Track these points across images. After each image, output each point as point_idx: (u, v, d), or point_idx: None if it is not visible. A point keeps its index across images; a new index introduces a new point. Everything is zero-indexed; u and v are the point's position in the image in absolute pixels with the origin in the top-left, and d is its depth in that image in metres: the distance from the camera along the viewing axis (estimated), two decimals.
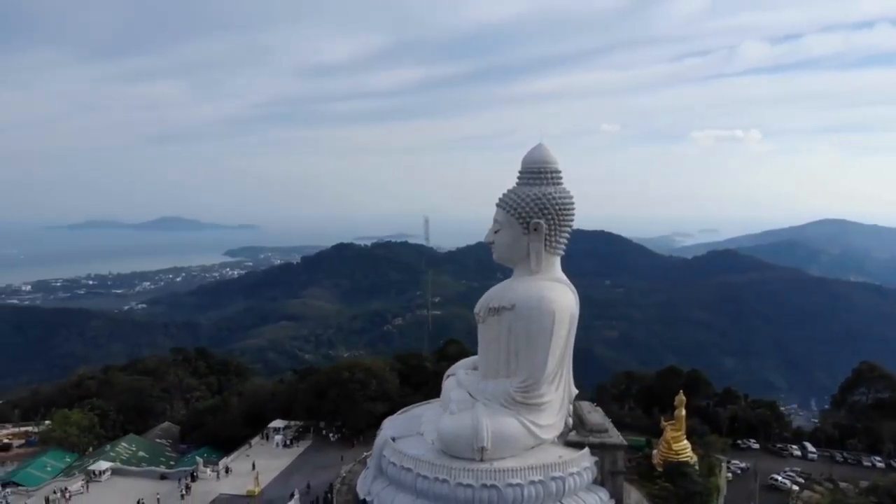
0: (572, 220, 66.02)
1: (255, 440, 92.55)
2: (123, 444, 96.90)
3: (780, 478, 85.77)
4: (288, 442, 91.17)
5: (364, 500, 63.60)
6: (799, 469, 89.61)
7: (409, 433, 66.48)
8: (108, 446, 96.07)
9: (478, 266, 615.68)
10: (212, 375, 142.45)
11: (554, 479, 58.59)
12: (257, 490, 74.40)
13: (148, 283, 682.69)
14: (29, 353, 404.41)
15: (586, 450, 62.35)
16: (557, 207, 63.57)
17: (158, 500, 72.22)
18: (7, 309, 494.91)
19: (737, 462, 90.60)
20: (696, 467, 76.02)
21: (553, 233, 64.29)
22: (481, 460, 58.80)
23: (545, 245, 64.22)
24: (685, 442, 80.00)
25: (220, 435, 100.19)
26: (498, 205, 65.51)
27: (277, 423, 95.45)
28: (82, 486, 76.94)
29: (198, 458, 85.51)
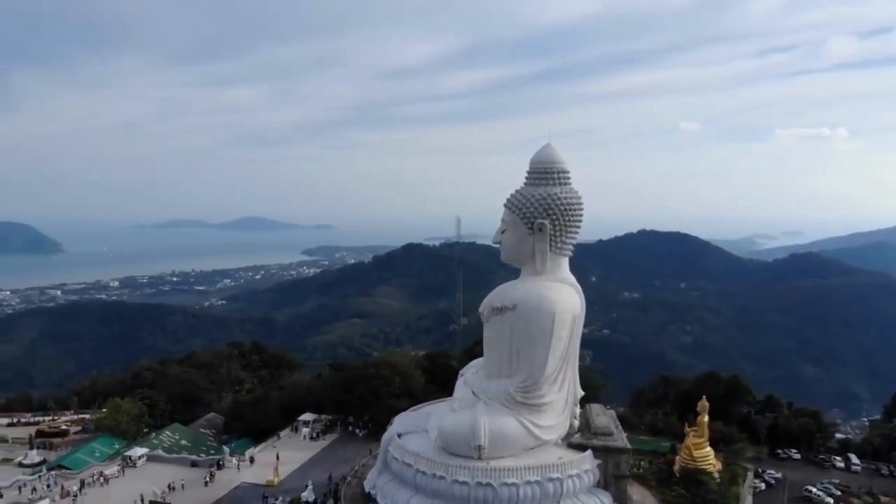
0: (579, 222, 65.24)
1: (284, 432, 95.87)
2: (167, 432, 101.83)
3: (814, 489, 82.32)
4: (315, 435, 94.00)
5: (369, 493, 65.11)
6: (838, 481, 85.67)
7: (416, 430, 67.51)
8: (153, 434, 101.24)
9: None
10: (264, 369, 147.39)
11: (551, 480, 58.35)
12: (276, 480, 77.22)
13: (228, 281, 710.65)
14: (114, 346, 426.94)
15: (588, 452, 61.76)
16: (563, 208, 63.13)
17: (183, 485, 76.08)
18: (95, 303, 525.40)
19: (772, 472, 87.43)
20: (717, 475, 73.90)
21: (558, 233, 63.82)
22: (479, 458, 59.23)
23: (550, 245, 63.88)
24: (707, 449, 77.62)
25: (259, 426, 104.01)
26: (505, 205, 65.78)
27: (307, 416, 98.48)
28: (118, 471, 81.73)
29: (225, 447, 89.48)
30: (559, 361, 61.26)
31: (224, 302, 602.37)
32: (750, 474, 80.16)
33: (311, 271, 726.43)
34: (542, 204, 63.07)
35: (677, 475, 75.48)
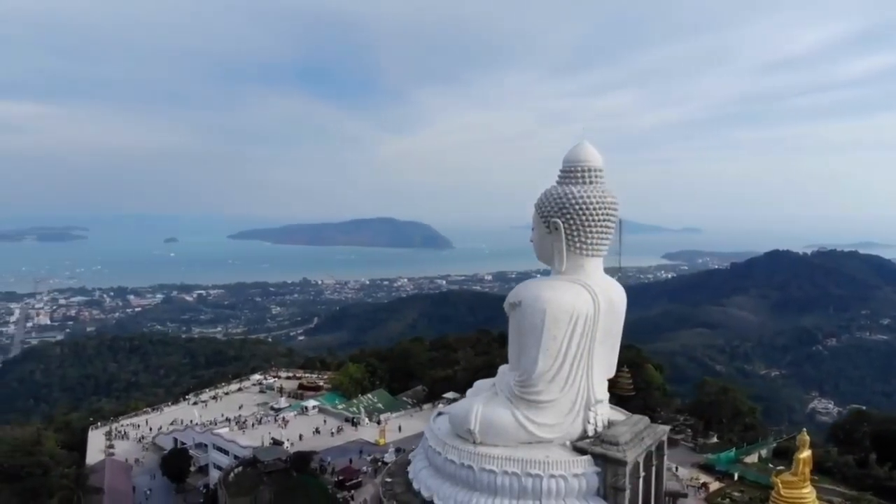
0: (605, 222, 63.27)
1: (427, 406, 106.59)
2: (369, 395, 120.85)
3: None
4: None
5: (409, 460, 73.24)
6: None
7: None
8: (360, 395, 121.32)
9: None
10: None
11: (530, 475, 59.20)
12: (382, 441, 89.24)
13: None
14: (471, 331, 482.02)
15: (586, 457, 60.37)
16: (577, 207, 62.46)
17: (319, 431, 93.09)
18: (467, 293, 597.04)
19: None
20: None
21: (575, 233, 63.24)
22: (474, 443, 62.95)
23: (567, 245, 63.64)
24: (805, 490, 65.82)
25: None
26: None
27: (450, 394, 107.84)
28: (294, 416, 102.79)
29: (362, 409, 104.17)
30: (554, 360, 60.78)
31: None
32: None
33: (669, 275, 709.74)
34: (558, 203, 63.40)
35: None
